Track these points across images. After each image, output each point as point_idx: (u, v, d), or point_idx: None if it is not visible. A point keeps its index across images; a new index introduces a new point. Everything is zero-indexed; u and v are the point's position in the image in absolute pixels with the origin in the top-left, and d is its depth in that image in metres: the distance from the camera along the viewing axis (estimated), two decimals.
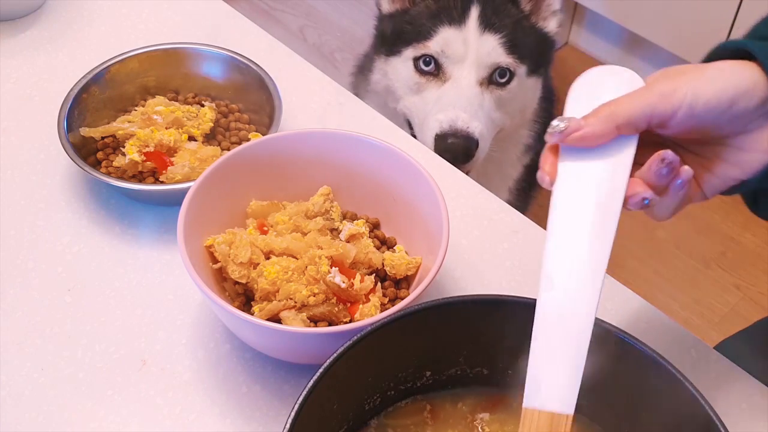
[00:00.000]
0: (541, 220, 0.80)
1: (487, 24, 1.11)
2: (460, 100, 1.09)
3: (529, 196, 1.43)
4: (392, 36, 1.19)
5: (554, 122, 0.50)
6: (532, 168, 1.37)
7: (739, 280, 1.70)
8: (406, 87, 1.17)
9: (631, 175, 0.50)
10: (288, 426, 0.47)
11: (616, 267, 1.70)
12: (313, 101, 0.88)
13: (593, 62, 2.13)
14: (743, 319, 1.62)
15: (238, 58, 0.82)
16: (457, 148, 1.06)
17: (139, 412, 0.63)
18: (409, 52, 1.14)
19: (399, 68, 1.17)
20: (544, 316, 0.49)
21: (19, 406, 0.63)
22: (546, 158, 0.51)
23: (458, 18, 1.12)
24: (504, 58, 1.12)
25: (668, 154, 0.49)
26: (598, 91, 0.52)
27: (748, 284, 1.69)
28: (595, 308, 0.48)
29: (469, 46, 1.11)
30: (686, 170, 0.50)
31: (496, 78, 1.12)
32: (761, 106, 0.50)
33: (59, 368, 0.65)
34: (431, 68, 1.13)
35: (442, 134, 1.07)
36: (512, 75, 1.13)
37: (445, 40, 1.11)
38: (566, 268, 0.49)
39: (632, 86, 0.51)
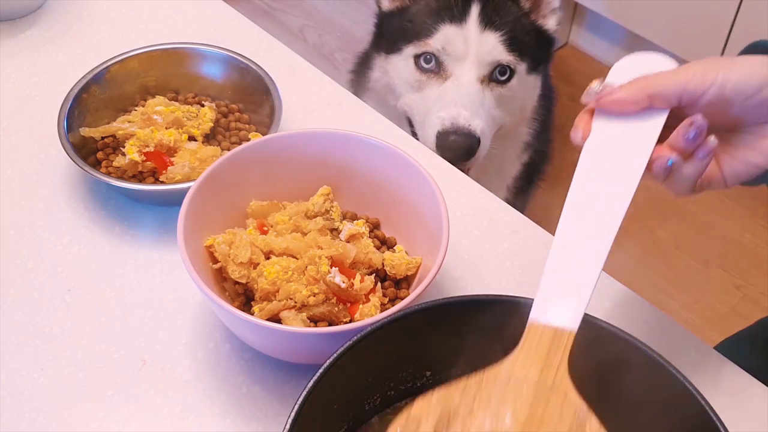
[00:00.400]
0: (541, 220, 0.81)
1: (488, 22, 1.12)
2: (461, 98, 1.09)
3: (528, 195, 1.43)
4: (392, 34, 1.19)
5: (591, 84, 0.54)
6: (530, 166, 1.37)
7: (739, 280, 1.70)
8: (407, 84, 1.17)
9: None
10: (288, 426, 0.47)
11: (616, 267, 1.70)
12: (313, 101, 0.88)
13: (593, 62, 2.13)
14: (743, 319, 1.61)
15: (238, 58, 0.82)
16: (459, 146, 1.06)
17: (139, 412, 0.63)
18: (410, 50, 1.15)
19: (399, 66, 1.17)
20: (563, 237, 0.51)
21: (19, 406, 0.63)
22: (581, 118, 0.55)
23: (459, 15, 1.12)
24: (505, 56, 1.12)
25: (697, 117, 0.51)
26: (637, 70, 0.55)
27: (748, 284, 1.69)
28: (611, 241, 0.51)
29: (470, 44, 1.11)
30: (712, 139, 0.52)
31: (497, 76, 1.13)
32: None
33: (59, 368, 0.65)
34: (432, 66, 1.13)
35: (444, 132, 1.07)
36: (512, 72, 1.14)
37: (446, 38, 1.11)
38: (589, 201, 0.52)
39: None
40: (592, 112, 0.55)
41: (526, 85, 1.19)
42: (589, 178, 0.53)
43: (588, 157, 0.53)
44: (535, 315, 0.50)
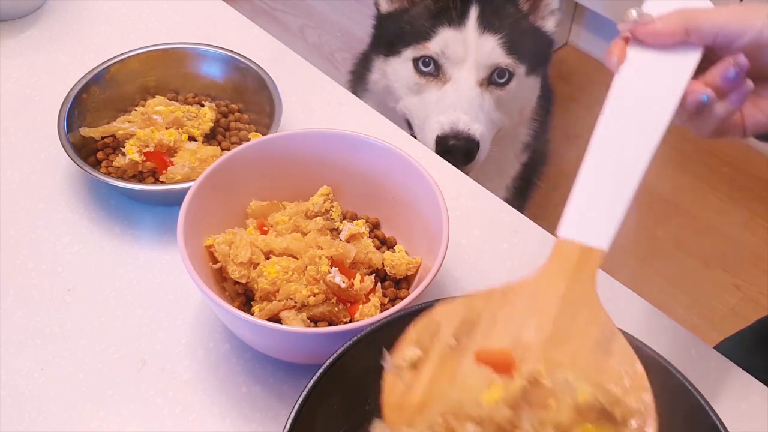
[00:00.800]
0: (541, 220, 0.81)
1: (487, 24, 1.11)
2: (460, 102, 1.09)
3: (527, 195, 1.43)
4: (391, 36, 1.19)
5: (629, 12, 0.54)
6: (529, 166, 1.37)
7: (739, 280, 1.70)
8: (406, 87, 1.17)
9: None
10: (288, 426, 0.47)
11: (617, 267, 1.70)
12: (313, 101, 0.88)
13: (593, 62, 2.13)
14: (743, 319, 1.61)
15: (238, 58, 0.82)
16: (458, 150, 1.07)
17: (139, 412, 0.63)
18: (409, 53, 1.14)
19: (398, 69, 1.17)
20: (595, 158, 0.51)
21: (19, 406, 0.63)
22: (616, 44, 0.55)
23: (457, 19, 1.12)
24: (504, 59, 1.12)
25: (740, 57, 0.51)
26: (674, 4, 0.55)
27: (748, 284, 1.69)
28: (645, 166, 0.51)
29: (469, 47, 1.11)
30: (749, 83, 0.52)
31: (496, 78, 1.13)
32: None
33: (59, 368, 0.65)
34: (431, 69, 1.13)
35: (443, 136, 1.07)
36: (512, 75, 1.14)
37: (444, 41, 1.11)
38: (622, 125, 0.52)
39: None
40: (626, 40, 0.55)
41: (526, 87, 1.18)
42: (623, 104, 0.53)
43: (622, 83, 0.54)
44: (563, 232, 0.50)
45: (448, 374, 0.47)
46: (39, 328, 0.68)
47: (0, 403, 0.63)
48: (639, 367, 0.46)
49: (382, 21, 1.23)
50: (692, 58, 0.53)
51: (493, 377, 0.46)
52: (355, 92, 1.29)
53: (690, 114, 0.54)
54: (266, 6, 2.26)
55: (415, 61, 1.14)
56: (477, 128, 1.08)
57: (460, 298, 0.49)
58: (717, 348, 0.72)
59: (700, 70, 0.53)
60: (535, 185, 1.44)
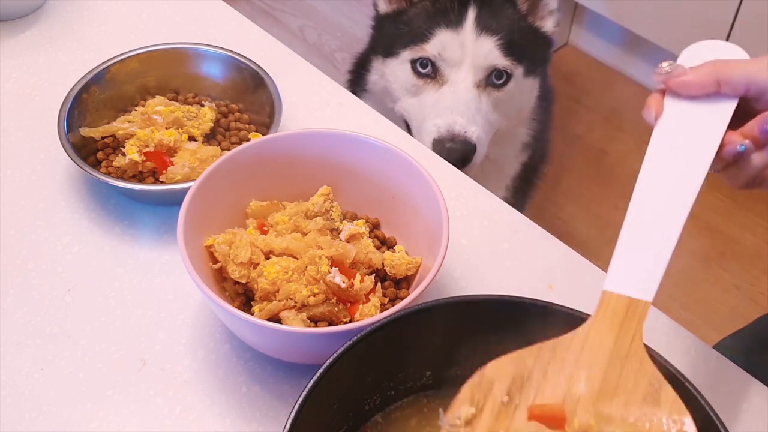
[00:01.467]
0: (541, 220, 0.81)
1: (484, 26, 1.11)
2: (457, 105, 1.09)
3: (527, 195, 1.43)
4: (389, 37, 1.19)
5: (662, 64, 0.55)
6: (529, 166, 1.37)
7: (739, 280, 1.70)
8: (404, 89, 1.17)
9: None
10: (288, 426, 0.47)
11: None
12: (313, 101, 0.88)
13: (593, 62, 2.13)
14: (743, 319, 1.61)
15: (238, 58, 0.82)
16: (455, 154, 1.07)
17: (139, 412, 0.63)
18: (407, 54, 1.14)
19: (396, 70, 1.17)
20: (637, 212, 0.52)
21: (19, 406, 0.63)
22: (653, 98, 0.56)
23: (455, 20, 1.11)
24: (501, 61, 1.12)
25: None
26: (708, 55, 0.56)
27: (748, 284, 1.69)
28: (685, 218, 0.52)
29: (466, 49, 1.10)
30: None
31: (493, 80, 1.12)
32: None
33: (59, 368, 0.65)
34: (428, 71, 1.13)
35: (440, 139, 1.07)
36: (509, 76, 1.13)
37: (442, 43, 1.11)
38: (661, 179, 0.53)
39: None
40: (663, 92, 0.56)
41: (524, 88, 1.18)
42: (662, 158, 0.54)
43: (660, 137, 0.54)
44: (610, 285, 0.51)
45: (502, 431, 0.48)
46: (39, 328, 0.68)
47: (0, 403, 0.63)
48: (688, 420, 0.47)
49: (380, 22, 1.23)
50: (726, 109, 0.54)
51: None
52: (353, 92, 1.29)
53: (726, 163, 0.54)
54: (266, 6, 2.26)
55: (413, 62, 1.14)
56: (474, 131, 1.08)
57: (510, 355, 0.50)
58: (717, 347, 0.72)
59: (739, 119, 0.53)
60: (535, 185, 1.44)
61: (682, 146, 0.54)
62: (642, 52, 2.01)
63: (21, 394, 0.64)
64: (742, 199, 1.83)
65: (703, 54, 0.56)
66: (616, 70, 2.10)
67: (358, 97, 1.27)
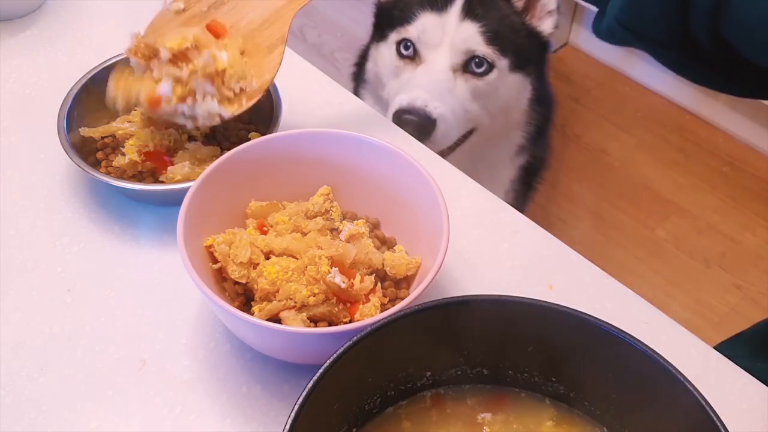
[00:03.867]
0: (541, 220, 0.81)
1: (470, 12, 1.12)
2: (426, 83, 1.10)
3: (526, 197, 1.43)
4: (384, 23, 1.20)
5: None
6: (527, 169, 1.37)
7: (739, 280, 1.70)
8: (389, 72, 1.18)
9: None
10: (288, 426, 0.47)
11: (616, 267, 1.71)
12: (313, 101, 0.88)
13: (593, 62, 2.14)
14: (743, 319, 1.62)
15: None
16: (410, 124, 1.07)
17: (139, 412, 0.63)
18: (393, 37, 1.16)
19: (384, 52, 1.18)
20: None
21: (19, 406, 0.63)
22: None
23: (443, 5, 1.12)
24: (481, 47, 1.11)
25: None
26: None
27: (748, 284, 1.69)
28: None
29: (447, 32, 1.11)
30: None
31: (473, 67, 1.12)
32: None
33: (59, 368, 0.65)
34: (410, 52, 1.14)
35: (399, 110, 1.08)
36: (491, 66, 1.13)
37: (423, 25, 1.12)
38: None
39: None
40: None
41: (509, 84, 1.18)
42: None
43: None
44: None
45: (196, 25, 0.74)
46: (39, 328, 0.68)
47: (0, 403, 0.63)
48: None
49: (380, 10, 1.24)
50: None
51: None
52: (356, 85, 1.30)
53: None
54: None
55: (398, 44, 1.15)
56: (436, 107, 1.08)
57: None
58: (717, 348, 0.72)
59: None
60: (534, 189, 1.44)
61: None
62: (642, 52, 2.01)
63: (21, 394, 0.64)
64: (742, 199, 1.83)
65: None
66: (616, 70, 2.11)
67: (359, 88, 1.28)
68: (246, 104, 0.72)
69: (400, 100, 1.10)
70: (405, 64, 1.15)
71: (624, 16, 0.61)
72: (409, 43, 1.13)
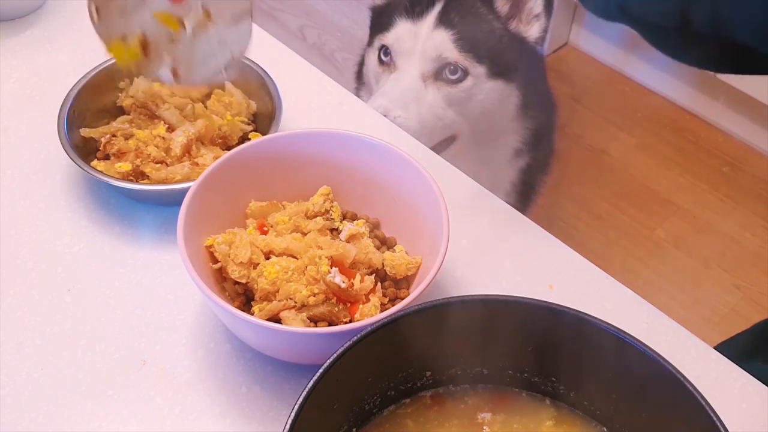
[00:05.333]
0: (541, 220, 0.81)
1: (445, 20, 1.12)
2: (393, 91, 1.10)
3: (529, 200, 1.42)
4: (373, 27, 1.21)
5: None
6: (527, 172, 1.36)
7: (739, 280, 1.70)
8: (373, 77, 1.18)
9: None
10: (288, 426, 0.47)
11: (616, 267, 1.70)
12: (313, 101, 0.88)
13: (593, 62, 2.13)
14: (743, 319, 1.62)
15: None
16: None
17: (139, 412, 0.63)
18: (376, 42, 1.16)
19: (371, 57, 1.19)
20: None
21: (19, 406, 0.63)
22: None
23: (419, 12, 1.13)
24: (453, 54, 1.11)
25: None
26: None
27: (748, 284, 1.69)
28: None
29: (419, 40, 1.11)
30: None
31: (447, 75, 1.12)
32: None
33: (59, 368, 0.65)
34: (388, 59, 1.14)
35: None
36: (466, 73, 1.13)
37: (399, 33, 1.12)
38: None
39: None
40: None
41: (487, 90, 1.16)
42: None
43: None
44: None
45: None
46: (39, 328, 0.68)
47: (0, 403, 0.63)
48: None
49: (374, 14, 1.25)
50: None
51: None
52: (357, 86, 1.31)
53: None
54: (266, 6, 2.26)
55: (379, 50, 1.15)
56: (399, 115, 1.08)
57: None
58: (717, 348, 0.72)
59: None
60: (536, 191, 1.44)
61: None
62: (642, 52, 2.01)
63: (21, 394, 0.64)
64: (742, 199, 1.83)
65: None
66: (616, 70, 2.11)
67: (360, 89, 1.28)
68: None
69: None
70: (383, 71, 1.16)
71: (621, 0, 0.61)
72: (387, 50, 1.14)
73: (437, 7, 1.12)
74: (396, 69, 1.13)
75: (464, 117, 1.16)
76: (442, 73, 1.12)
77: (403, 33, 1.12)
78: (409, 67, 1.12)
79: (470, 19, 1.13)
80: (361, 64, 1.33)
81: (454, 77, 1.12)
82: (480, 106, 1.17)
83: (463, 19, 1.12)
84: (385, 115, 1.06)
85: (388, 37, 1.13)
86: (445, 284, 0.71)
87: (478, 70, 1.13)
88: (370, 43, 1.21)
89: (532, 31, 1.18)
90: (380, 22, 1.18)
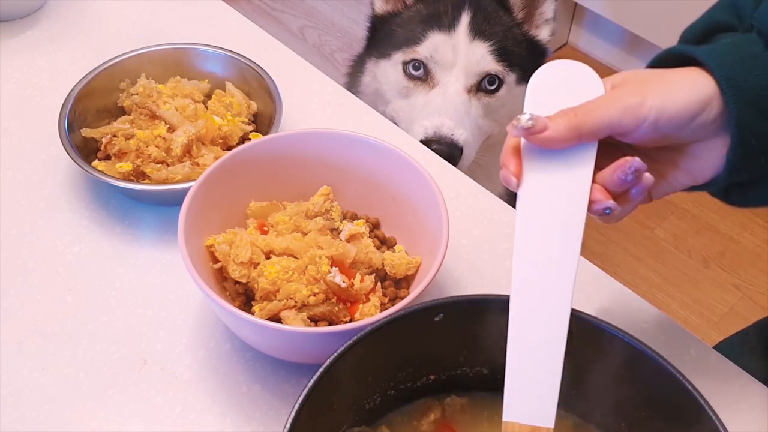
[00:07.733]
0: None
1: (478, 31, 1.11)
2: (446, 107, 1.09)
3: None
4: (383, 38, 1.19)
5: (521, 116, 0.50)
6: None
7: (739, 280, 1.70)
8: (395, 91, 1.17)
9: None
10: (288, 426, 0.47)
11: (616, 267, 1.71)
12: (313, 101, 0.88)
13: (593, 62, 2.14)
14: (743, 319, 1.62)
15: (239, 58, 0.83)
16: (440, 155, 1.07)
17: (140, 411, 0.63)
18: (399, 57, 1.14)
19: (388, 71, 1.17)
20: (517, 324, 0.50)
21: (20, 406, 0.63)
22: (509, 157, 0.52)
23: (449, 24, 1.12)
24: (494, 66, 1.11)
25: (636, 161, 0.49)
26: (559, 88, 0.53)
27: (748, 284, 1.69)
28: (567, 317, 0.49)
29: (459, 53, 1.11)
30: (648, 177, 0.50)
31: (485, 85, 1.12)
32: (718, 117, 0.51)
33: (60, 368, 0.65)
34: (420, 73, 1.13)
35: (426, 140, 1.07)
36: (501, 82, 1.13)
37: (434, 46, 1.11)
38: (536, 276, 0.50)
39: (591, 85, 0.52)
40: (517, 148, 0.52)
41: (516, 95, 1.17)
42: (533, 242, 0.50)
43: (527, 210, 0.51)
44: (509, 416, 0.50)
45: None
46: (39, 327, 0.68)
47: (0, 403, 0.63)
48: None
49: (375, 22, 1.23)
50: (589, 156, 0.50)
51: None
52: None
53: (597, 217, 0.52)
54: (266, 6, 2.26)
55: (405, 64, 1.14)
56: (461, 134, 1.08)
57: None
58: (716, 348, 0.72)
59: (607, 151, 0.51)
60: None
61: (551, 220, 0.50)
62: (642, 52, 2.01)
63: (21, 394, 0.64)
64: None
65: (553, 81, 0.53)
66: (616, 70, 2.11)
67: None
68: None
69: (424, 128, 1.08)
70: (416, 86, 1.14)
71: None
72: (418, 64, 1.13)
73: (465, 18, 1.12)
74: (437, 83, 1.12)
75: (497, 123, 1.17)
76: (481, 84, 1.12)
77: (439, 46, 1.11)
78: (452, 81, 1.11)
79: (498, 28, 1.13)
80: (353, 74, 1.32)
81: (491, 87, 1.13)
82: (509, 110, 1.18)
83: (492, 28, 1.12)
84: (450, 135, 1.06)
85: (420, 51, 1.12)
86: (445, 284, 0.71)
87: (510, 77, 1.14)
88: (380, 55, 1.18)
89: (543, 33, 1.19)
90: (393, 32, 1.16)
